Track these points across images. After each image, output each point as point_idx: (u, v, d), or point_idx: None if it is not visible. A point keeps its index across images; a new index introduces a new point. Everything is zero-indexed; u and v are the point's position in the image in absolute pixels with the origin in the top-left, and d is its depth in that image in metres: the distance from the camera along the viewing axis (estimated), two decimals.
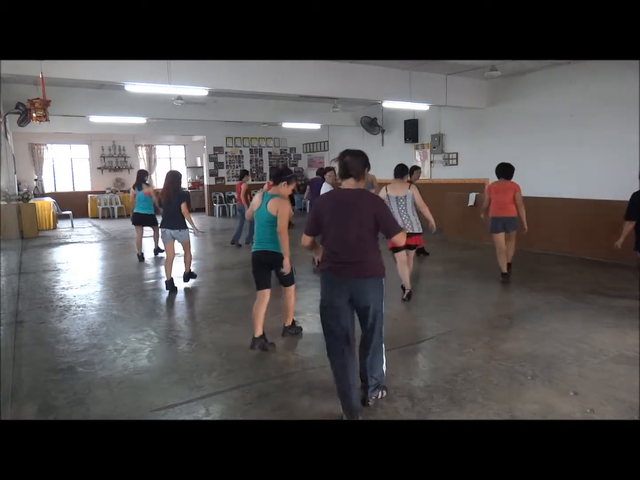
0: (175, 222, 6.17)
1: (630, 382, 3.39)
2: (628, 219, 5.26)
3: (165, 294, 6.21)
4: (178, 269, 6.65)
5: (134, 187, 8.91)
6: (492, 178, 10.60)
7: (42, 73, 6.06)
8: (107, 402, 3.27)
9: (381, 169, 13.07)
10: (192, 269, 6.79)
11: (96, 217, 15.94)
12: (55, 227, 13.45)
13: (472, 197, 9.84)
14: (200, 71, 7.29)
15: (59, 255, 9.28)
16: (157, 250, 9.14)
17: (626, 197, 7.29)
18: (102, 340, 4.45)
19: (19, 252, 8.94)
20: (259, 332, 4.18)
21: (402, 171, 5.81)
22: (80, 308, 5.50)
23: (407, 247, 5.47)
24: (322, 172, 9.25)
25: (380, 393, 3.24)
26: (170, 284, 6.25)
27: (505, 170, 6.43)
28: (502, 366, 3.71)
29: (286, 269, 4.08)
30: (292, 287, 4.40)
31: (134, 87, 7.70)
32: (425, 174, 12.31)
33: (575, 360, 3.81)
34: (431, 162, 12.29)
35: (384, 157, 13.44)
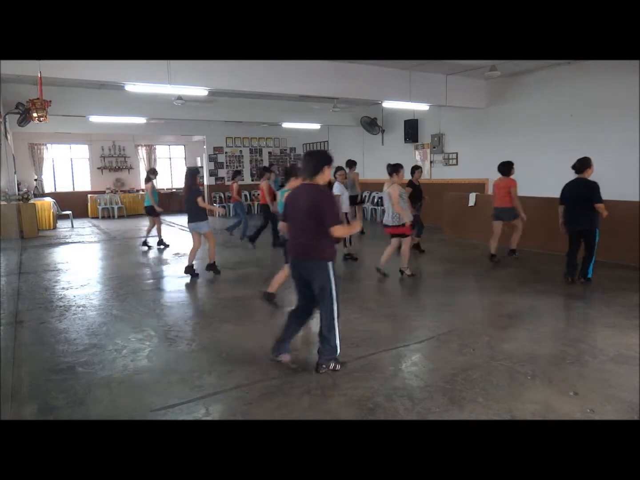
0: (191, 216, 6.82)
1: (630, 382, 3.39)
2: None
3: (166, 293, 6.23)
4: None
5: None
6: (492, 178, 10.68)
7: (40, 73, 6.06)
8: (107, 402, 3.27)
9: (381, 168, 13.11)
10: (196, 265, 6.89)
11: (96, 217, 15.94)
12: (55, 227, 13.44)
13: (473, 197, 9.83)
14: (200, 71, 7.29)
15: (59, 255, 9.28)
16: (160, 242, 9.81)
17: (626, 197, 7.32)
18: (102, 340, 4.45)
19: (19, 252, 8.94)
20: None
21: (389, 170, 6.50)
22: (80, 308, 5.50)
23: (398, 235, 6.55)
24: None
25: (333, 364, 3.61)
26: (188, 269, 6.86)
27: (500, 168, 7.46)
28: (502, 366, 3.71)
29: None
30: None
31: (134, 87, 7.70)
32: (425, 174, 12.33)
33: (575, 360, 3.81)
34: (431, 162, 12.29)
35: (384, 157, 13.46)
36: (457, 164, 11.70)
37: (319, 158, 3.53)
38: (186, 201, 6.85)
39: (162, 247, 9.64)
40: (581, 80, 8.63)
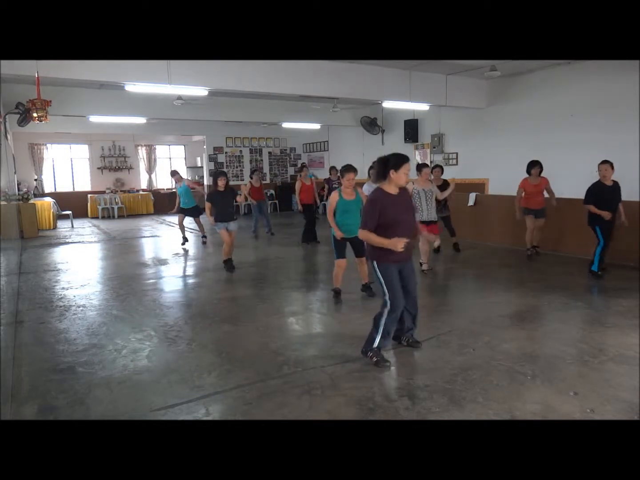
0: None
1: (630, 382, 3.39)
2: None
3: (166, 293, 6.23)
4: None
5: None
6: (492, 178, 10.71)
7: (37, 72, 6.05)
8: (107, 402, 3.27)
9: None
10: (192, 268, 6.89)
11: (96, 217, 15.92)
12: (55, 227, 13.43)
13: (473, 197, 9.83)
14: (200, 71, 7.29)
15: (59, 255, 9.28)
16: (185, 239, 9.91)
17: (625, 197, 7.31)
18: (102, 340, 4.45)
19: (19, 252, 8.94)
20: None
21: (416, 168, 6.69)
22: (80, 308, 5.50)
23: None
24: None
25: (371, 354, 3.79)
26: (224, 263, 7.28)
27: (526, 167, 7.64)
28: (502, 366, 3.71)
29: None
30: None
31: (134, 87, 7.70)
32: None
33: (575, 360, 3.81)
34: (431, 162, 12.28)
35: None
36: (457, 164, 11.70)
37: (385, 164, 3.67)
38: None
39: (183, 244, 9.74)
40: (581, 80, 8.62)
